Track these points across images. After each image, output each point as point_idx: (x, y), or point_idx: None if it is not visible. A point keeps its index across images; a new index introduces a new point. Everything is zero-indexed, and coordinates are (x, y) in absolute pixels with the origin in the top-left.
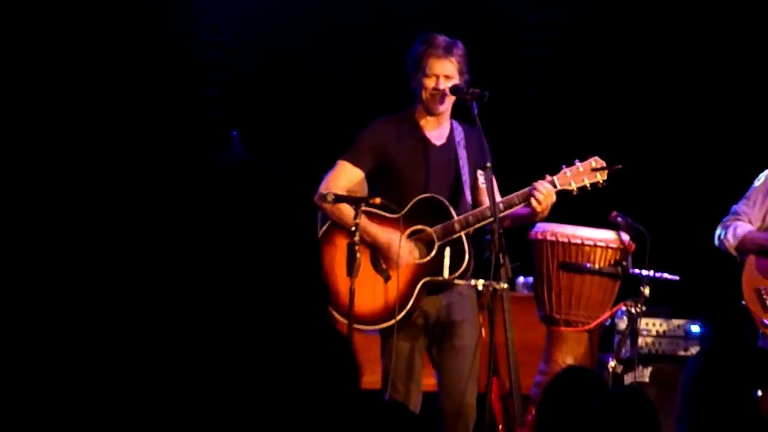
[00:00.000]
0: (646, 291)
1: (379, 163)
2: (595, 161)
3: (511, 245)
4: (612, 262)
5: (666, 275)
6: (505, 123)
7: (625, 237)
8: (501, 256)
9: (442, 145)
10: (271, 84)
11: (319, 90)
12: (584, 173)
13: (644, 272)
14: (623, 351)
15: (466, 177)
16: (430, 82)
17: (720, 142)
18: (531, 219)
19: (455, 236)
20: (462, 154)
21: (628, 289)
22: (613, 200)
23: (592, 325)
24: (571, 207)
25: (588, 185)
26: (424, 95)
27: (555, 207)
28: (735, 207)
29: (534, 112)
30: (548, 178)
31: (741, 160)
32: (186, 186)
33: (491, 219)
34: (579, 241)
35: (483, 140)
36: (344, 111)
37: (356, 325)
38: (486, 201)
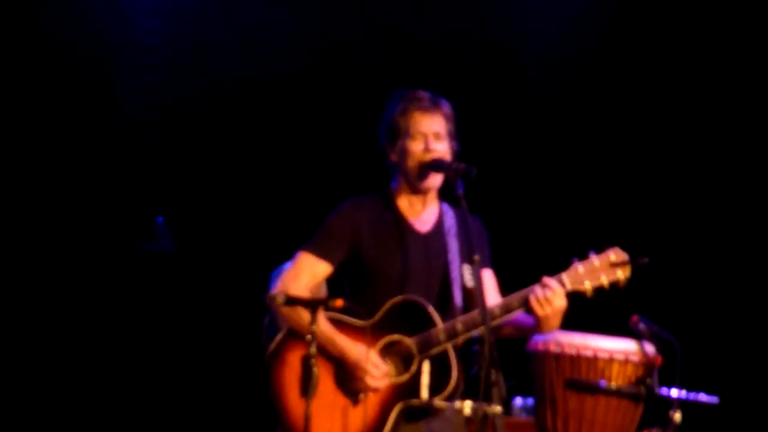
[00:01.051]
0: (677, 416)
1: (351, 255)
2: (615, 254)
3: (506, 358)
4: (633, 379)
5: (702, 396)
6: (504, 205)
7: (650, 348)
8: (493, 371)
9: (428, 234)
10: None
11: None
12: (601, 269)
13: (674, 393)
14: None
15: (456, 274)
16: (416, 145)
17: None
18: (537, 330)
19: (440, 349)
20: (452, 245)
21: (654, 413)
22: (635, 301)
23: None
24: (581, 309)
25: (606, 284)
26: (409, 164)
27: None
28: None
29: (539, 191)
30: (546, 280)
31: None
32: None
33: (483, 332)
34: (591, 354)
35: (470, 227)
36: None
37: None
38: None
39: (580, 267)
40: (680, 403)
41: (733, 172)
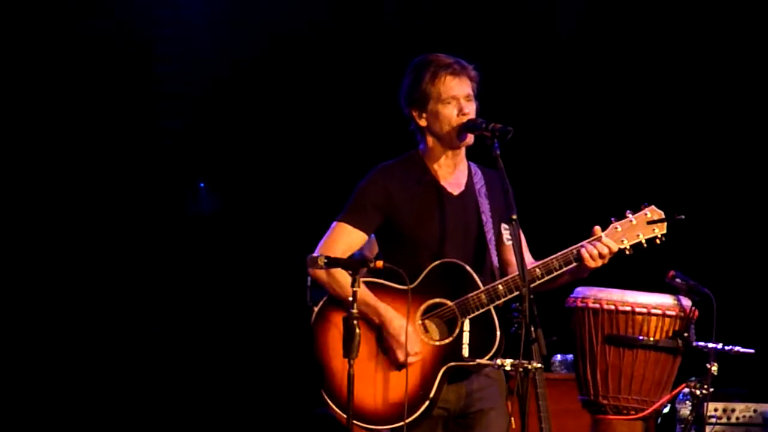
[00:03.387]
0: (714, 368)
1: (385, 221)
2: (651, 212)
3: (546, 315)
4: (670, 333)
5: (738, 348)
6: (533, 163)
7: (686, 302)
8: (533, 328)
9: (460, 195)
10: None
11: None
12: (638, 227)
13: (711, 345)
14: None
15: (490, 234)
16: (449, 110)
17: None
18: (585, 272)
19: (482, 311)
20: (484, 204)
21: (692, 366)
22: (671, 256)
23: (648, 411)
24: (619, 266)
25: (644, 241)
26: (443, 129)
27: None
28: None
29: (570, 148)
30: (597, 232)
31: None
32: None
33: (524, 286)
34: (629, 309)
35: (507, 186)
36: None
37: (360, 423)
38: (515, 260)
39: (618, 226)
40: (717, 355)
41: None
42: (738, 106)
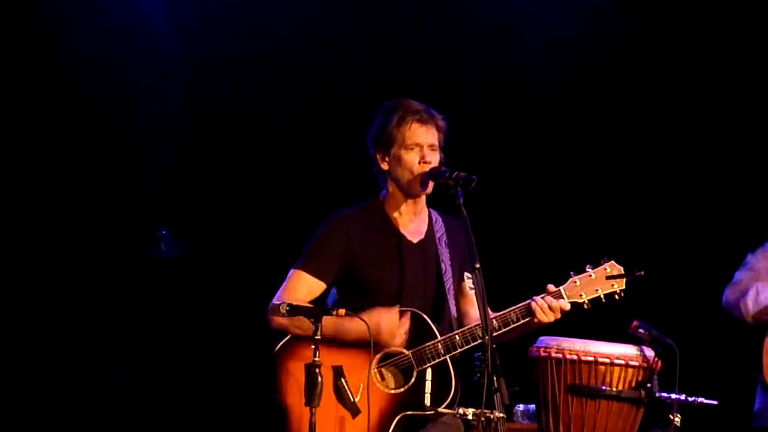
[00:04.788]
0: (677, 420)
1: (343, 270)
2: (611, 267)
3: (508, 364)
4: (633, 384)
5: (702, 400)
6: (500, 218)
7: (650, 352)
8: (495, 378)
9: (420, 243)
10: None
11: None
12: (597, 282)
13: (674, 396)
14: None
15: (449, 283)
16: (412, 156)
17: None
18: (535, 327)
19: (438, 361)
20: (444, 253)
21: (655, 417)
22: (635, 307)
23: None
24: (582, 315)
25: (602, 296)
26: (404, 175)
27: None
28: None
29: (535, 205)
30: (550, 289)
31: None
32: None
33: (484, 338)
34: (591, 359)
35: (470, 235)
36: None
37: None
38: (473, 311)
39: (577, 280)
40: (680, 406)
41: (729, 177)
42: (695, 157)
